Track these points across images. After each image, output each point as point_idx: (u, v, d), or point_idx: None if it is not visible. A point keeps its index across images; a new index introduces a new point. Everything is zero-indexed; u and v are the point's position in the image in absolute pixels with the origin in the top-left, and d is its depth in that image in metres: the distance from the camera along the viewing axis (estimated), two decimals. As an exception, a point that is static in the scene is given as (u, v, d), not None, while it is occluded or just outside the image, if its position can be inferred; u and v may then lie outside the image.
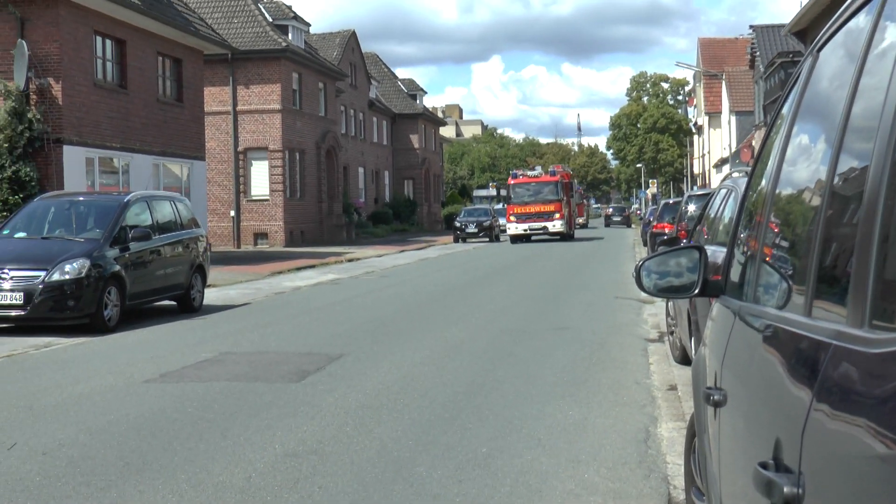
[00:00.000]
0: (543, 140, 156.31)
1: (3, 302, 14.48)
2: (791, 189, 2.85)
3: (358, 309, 18.00)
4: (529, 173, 52.23)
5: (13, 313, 14.53)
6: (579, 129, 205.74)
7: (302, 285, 23.97)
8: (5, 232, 16.31)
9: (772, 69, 41.39)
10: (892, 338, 1.68)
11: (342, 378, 10.27)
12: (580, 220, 71.83)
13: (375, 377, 10.30)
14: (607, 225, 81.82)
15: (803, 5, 30.56)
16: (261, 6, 47.48)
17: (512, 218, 49.94)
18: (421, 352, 12.13)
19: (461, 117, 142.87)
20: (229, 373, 10.79)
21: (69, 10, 26.23)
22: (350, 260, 34.70)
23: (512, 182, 51.48)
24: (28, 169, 24.77)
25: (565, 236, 50.66)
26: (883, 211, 1.82)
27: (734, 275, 3.55)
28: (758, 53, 48.33)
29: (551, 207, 49.32)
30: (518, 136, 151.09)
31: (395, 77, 78.10)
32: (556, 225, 49.35)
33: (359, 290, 22.52)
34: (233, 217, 44.53)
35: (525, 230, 49.54)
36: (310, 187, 48.53)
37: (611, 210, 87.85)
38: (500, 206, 68.38)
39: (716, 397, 3.10)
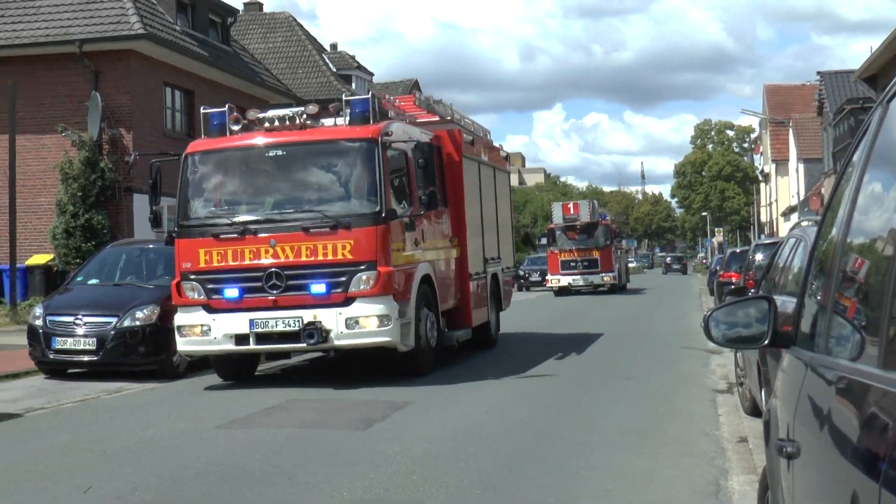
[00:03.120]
0: (607, 188, 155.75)
1: (76, 347, 14.77)
2: (863, 238, 2.84)
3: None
4: (264, 114, 14.32)
5: (86, 358, 14.81)
6: (643, 176, 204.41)
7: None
8: (79, 279, 16.67)
9: (841, 116, 41.01)
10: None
11: (408, 426, 10.29)
12: (607, 278, 43.20)
13: (440, 426, 10.30)
14: (665, 272, 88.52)
15: (873, 51, 30.31)
16: (325, 57, 48.20)
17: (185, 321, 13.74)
18: (485, 401, 12.11)
19: (524, 165, 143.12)
20: (296, 419, 10.87)
21: (140, 63, 26.90)
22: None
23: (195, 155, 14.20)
24: (100, 217, 25.36)
25: (413, 362, 14.08)
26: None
27: (805, 325, 3.53)
28: (826, 100, 47.90)
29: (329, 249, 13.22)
30: (581, 184, 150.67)
31: (459, 126, 78.57)
32: (330, 321, 13.09)
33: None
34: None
35: (245, 336, 13.37)
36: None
37: (669, 259, 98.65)
38: None
39: (789, 449, 3.09)
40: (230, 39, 33.96)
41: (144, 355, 14.87)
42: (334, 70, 47.08)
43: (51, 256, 26.11)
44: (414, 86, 61.83)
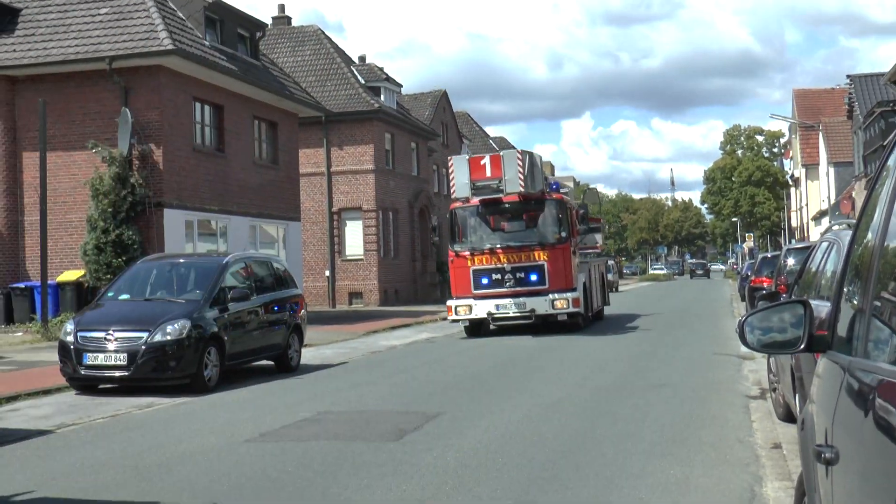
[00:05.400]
0: (637, 195, 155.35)
1: (107, 363, 14.80)
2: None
3: (453, 367, 18.00)
4: None
5: (117, 374, 14.83)
6: (672, 183, 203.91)
7: (397, 344, 24.05)
8: (110, 294, 16.72)
9: (871, 119, 40.72)
10: None
11: (440, 436, 10.25)
12: (561, 303, 23.74)
13: (473, 436, 10.26)
14: (691, 277, 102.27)
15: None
16: (353, 69, 48.33)
17: None
18: (518, 410, 12.05)
19: (553, 174, 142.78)
20: (328, 432, 10.85)
21: (170, 79, 27.05)
22: (444, 318, 34.71)
23: None
24: (131, 232, 25.49)
25: None
26: None
27: (841, 329, 3.47)
28: (856, 103, 47.55)
29: None
30: (611, 192, 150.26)
31: (487, 135, 78.66)
32: None
33: (454, 348, 22.51)
34: (328, 277, 45.03)
35: None
36: (403, 246, 48.89)
37: (692, 265, 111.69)
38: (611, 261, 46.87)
39: (827, 455, 3.03)
40: (259, 53, 34.10)
41: (176, 370, 14.87)
42: (363, 82, 47.20)
43: (82, 273, 26.27)
44: (442, 97, 61.92)
